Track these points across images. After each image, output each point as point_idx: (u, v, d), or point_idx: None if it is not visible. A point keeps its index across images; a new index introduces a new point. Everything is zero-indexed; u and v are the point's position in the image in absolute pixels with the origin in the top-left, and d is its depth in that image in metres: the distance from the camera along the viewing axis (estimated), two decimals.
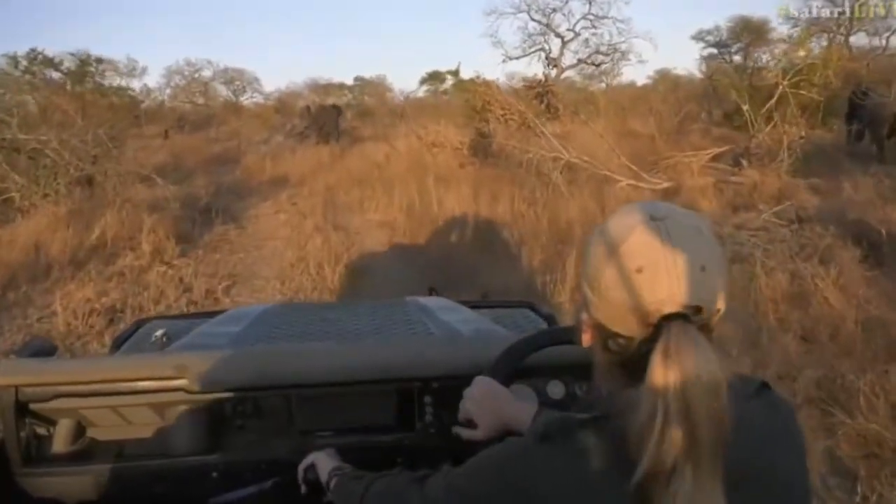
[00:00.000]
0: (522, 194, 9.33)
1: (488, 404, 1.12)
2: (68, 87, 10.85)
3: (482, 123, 13.59)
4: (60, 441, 1.37)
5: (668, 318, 0.71)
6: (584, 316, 0.81)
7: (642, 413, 0.67)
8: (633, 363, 0.74)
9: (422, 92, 34.54)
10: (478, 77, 13.47)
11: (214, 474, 1.37)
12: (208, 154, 17.45)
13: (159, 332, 1.88)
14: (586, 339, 0.82)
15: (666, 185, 11.00)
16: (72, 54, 10.38)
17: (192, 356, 1.40)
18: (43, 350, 1.53)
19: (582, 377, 1.36)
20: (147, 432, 1.39)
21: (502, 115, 10.19)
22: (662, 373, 0.67)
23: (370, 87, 35.50)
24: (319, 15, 61.84)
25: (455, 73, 13.09)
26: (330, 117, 19.02)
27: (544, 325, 2.10)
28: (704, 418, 0.65)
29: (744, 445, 0.70)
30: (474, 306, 2.25)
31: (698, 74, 27.38)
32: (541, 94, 10.83)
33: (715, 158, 12.66)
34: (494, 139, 13.60)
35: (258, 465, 1.38)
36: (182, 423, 1.38)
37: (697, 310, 0.71)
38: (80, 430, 1.40)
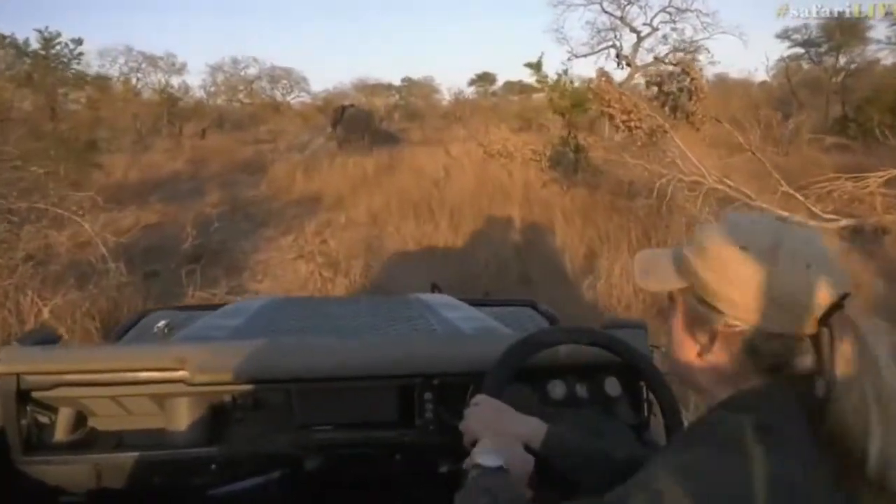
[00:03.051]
0: (665, 242, 5.70)
1: (491, 424, 1.01)
2: (35, 77, 7.39)
3: (569, 129, 9.98)
4: (61, 430, 1.28)
5: (835, 308, 0.68)
6: (719, 326, 0.73)
7: (850, 402, 0.65)
8: (785, 358, 0.71)
9: (469, 93, 31.59)
10: (564, 72, 9.82)
11: (213, 466, 1.29)
12: (237, 159, 14.22)
13: (161, 323, 1.71)
14: (719, 349, 0.74)
15: (845, 222, 7.20)
16: (38, 31, 6.97)
17: (192, 348, 1.31)
18: (45, 339, 1.39)
19: (583, 377, 1.30)
20: (147, 423, 1.31)
21: (624, 122, 6.57)
22: (858, 358, 0.65)
23: (417, 88, 32.28)
24: (369, 15, 58.60)
25: (537, 66, 9.44)
26: (359, 122, 15.66)
27: (546, 324, 1.93)
28: (890, 382, 0.65)
29: None
30: (477, 304, 2.05)
31: (762, 77, 23.06)
32: (668, 93, 7.25)
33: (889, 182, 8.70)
34: (587, 150, 9.99)
35: (257, 457, 1.31)
36: (182, 415, 1.29)
37: (847, 295, 0.69)
38: (81, 419, 1.30)
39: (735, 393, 0.75)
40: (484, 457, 0.89)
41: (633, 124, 6.59)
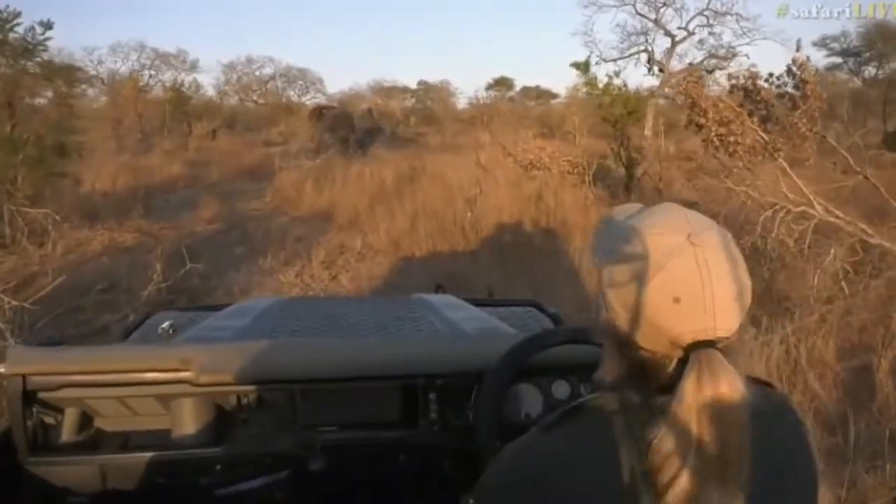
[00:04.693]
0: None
1: None
2: None
3: (620, 140, 8.40)
4: (67, 430, 1.26)
5: (697, 345, 0.65)
6: (604, 318, 0.72)
7: (668, 428, 0.62)
8: (647, 370, 0.69)
9: (485, 98, 30.06)
10: (616, 74, 8.23)
11: (218, 467, 1.28)
12: (243, 163, 12.71)
13: (166, 324, 1.58)
14: (604, 346, 0.75)
15: None
16: None
17: (197, 349, 1.28)
18: (50, 340, 1.33)
19: (587, 377, 1.15)
20: (153, 424, 1.30)
21: (719, 136, 4.97)
22: (695, 396, 0.62)
23: (434, 92, 30.78)
24: (386, 17, 57.05)
25: (584, 66, 7.89)
26: (341, 125, 14.24)
27: (549, 324, 1.84)
28: (736, 440, 0.62)
29: (765, 465, 0.66)
30: (480, 304, 1.98)
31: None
32: (759, 101, 5.65)
33: None
34: (639, 164, 8.40)
35: (262, 458, 1.29)
36: (187, 416, 1.26)
37: (725, 338, 0.67)
38: (86, 419, 1.29)
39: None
40: None
41: (733, 139, 5.01)
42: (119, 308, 4.06)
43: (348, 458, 1.28)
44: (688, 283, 0.64)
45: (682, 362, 0.65)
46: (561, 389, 1.26)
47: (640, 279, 0.66)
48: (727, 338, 0.66)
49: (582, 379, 1.27)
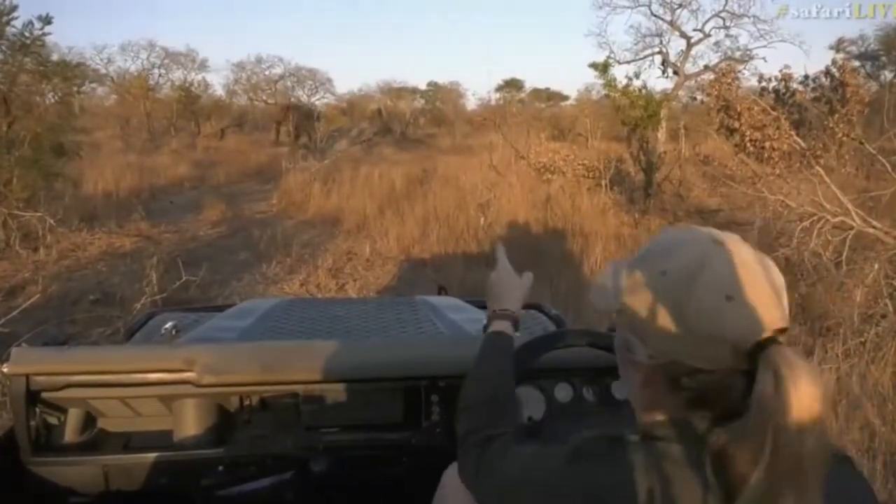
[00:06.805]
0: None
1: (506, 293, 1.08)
2: None
3: (640, 143, 8.03)
4: (70, 431, 1.26)
5: (763, 344, 0.58)
6: (640, 358, 0.66)
7: (749, 440, 0.55)
8: (712, 395, 0.61)
9: (494, 99, 29.69)
10: (636, 76, 7.87)
11: (221, 468, 1.26)
12: (250, 163, 12.40)
13: (169, 325, 1.61)
14: (639, 380, 0.67)
15: None
16: None
17: (200, 349, 1.24)
18: (55, 340, 1.31)
19: (589, 380, 1.26)
20: (155, 424, 1.29)
21: (753, 142, 4.60)
22: (776, 397, 0.55)
23: (443, 93, 30.39)
24: (395, 18, 56.78)
25: (603, 67, 7.54)
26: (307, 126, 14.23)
27: (552, 327, 1.83)
28: (815, 441, 0.54)
29: None
30: (482, 306, 1.81)
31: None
32: (792, 104, 5.26)
33: None
34: (661, 167, 8.01)
35: (264, 459, 1.27)
36: (189, 416, 1.25)
37: (783, 331, 0.61)
38: (89, 420, 1.28)
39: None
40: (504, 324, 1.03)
41: (768, 144, 4.64)
42: (110, 322, 3.74)
43: (350, 460, 1.28)
44: (733, 279, 0.60)
45: (748, 376, 0.58)
46: (563, 392, 1.25)
47: (686, 292, 0.60)
48: (785, 332, 0.60)
49: (585, 382, 1.25)
